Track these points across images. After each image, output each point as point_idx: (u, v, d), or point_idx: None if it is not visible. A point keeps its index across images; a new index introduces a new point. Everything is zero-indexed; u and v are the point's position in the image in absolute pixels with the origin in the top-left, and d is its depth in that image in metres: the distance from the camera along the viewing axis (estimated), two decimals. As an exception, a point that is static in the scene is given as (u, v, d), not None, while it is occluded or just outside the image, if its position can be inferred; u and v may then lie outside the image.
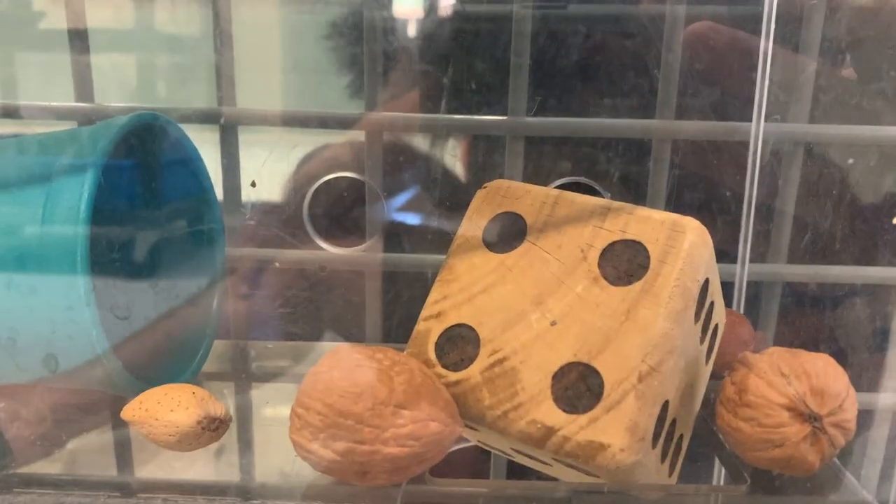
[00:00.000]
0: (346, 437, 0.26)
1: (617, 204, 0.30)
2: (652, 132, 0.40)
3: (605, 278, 0.28)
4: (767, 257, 0.41)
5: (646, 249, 0.28)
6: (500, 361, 0.29)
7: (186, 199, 0.37)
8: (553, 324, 0.29)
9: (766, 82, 0.39)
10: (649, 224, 0.29)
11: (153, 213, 0.37)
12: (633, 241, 0.29)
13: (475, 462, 0.35)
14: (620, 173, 0.42)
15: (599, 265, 0.29)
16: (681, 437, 0.30)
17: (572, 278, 0.29)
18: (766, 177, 0.40)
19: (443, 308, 0.31)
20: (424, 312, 0.31)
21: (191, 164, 0.36)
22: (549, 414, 0.27)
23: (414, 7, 0.40)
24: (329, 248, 0.41)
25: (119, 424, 0.30)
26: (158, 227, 0.37)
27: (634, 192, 0.42)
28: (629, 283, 0.28)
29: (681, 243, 0.28)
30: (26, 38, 0.40)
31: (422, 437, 0.26)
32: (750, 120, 0.39)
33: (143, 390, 0.30)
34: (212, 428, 0.30)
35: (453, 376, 0.29)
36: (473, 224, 0.32)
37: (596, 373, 0.27)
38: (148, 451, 0.33)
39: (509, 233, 0.31)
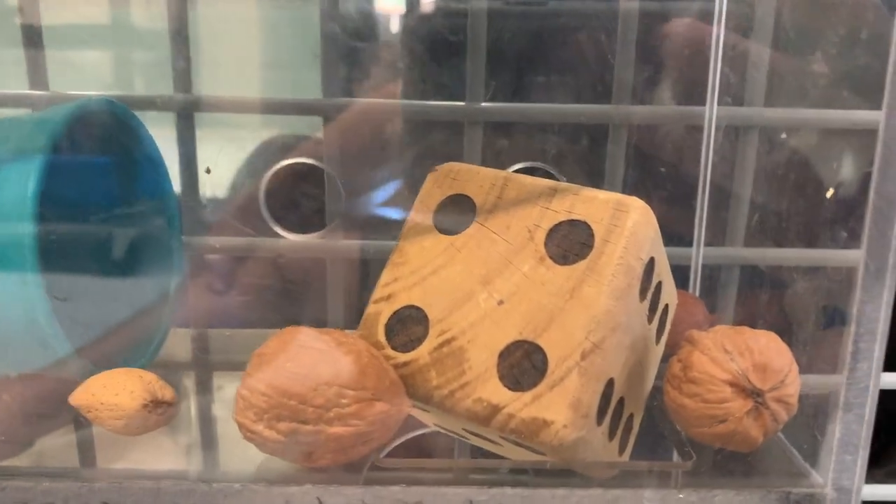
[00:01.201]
0: (290, 418, 0.26)
1: (564, 185, 0.30)
2: (608, 117, 0.41)
3: (551, 258, 0.29)
4: (725, 240, 0.42)
5: (590, 229, 0.28)
6: (449, 342, 0.29)
7: (141, 186, 0.37)
8: (500, 303, 0.29)
9: (719, 66, 0.39)
10: (594, 204, 0.29)
11: (107, 201, 0.36)
12: (579, 221, 0.29)
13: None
14: (580, 158, 0.42)
15: (546, 245, 0.29)
16: (631, 415, 0.31)
17: (519, 258, 0.29)
18: (722, 160, 0.41)
19: (393, 290, 0.31)
20: (375, 295, 0.31)
21: (144, 149, 0.36)
22: (495, 392, 0.27)
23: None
24: (286, 235, 0.41)
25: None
26: (112, 215, 0.37)
27: (594, 176, 0.42)
28: (574, 262, 0.28)
29: (624, 222, 0.28)
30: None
31: (366, 417, 0.27)
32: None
33: (93, 373, 0.30)
34: (158, 412, 0.30)
35: (402, 357, 0.30)
36: (424, 207, 0.32)
37: (540, 350, 0.27)
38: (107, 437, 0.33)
39: (459, 215, 0.31)
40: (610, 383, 0.28)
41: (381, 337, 0.30)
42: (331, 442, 0.26)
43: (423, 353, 0.29)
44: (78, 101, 0.32)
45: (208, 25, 0.40)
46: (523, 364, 0.27)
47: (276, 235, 0.41)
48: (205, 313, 0.41)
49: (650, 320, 0.30)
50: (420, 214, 0.32)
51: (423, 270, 0.31)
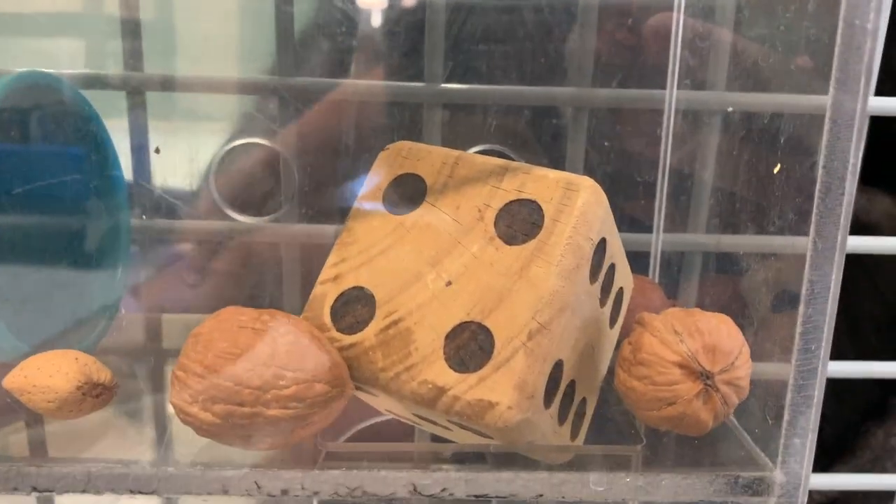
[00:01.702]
0: (226, 400, 0.25)
1: (515, 164, 0.30)
2: (568, 100, 0.40)
3: (501, 238, 0.28)
4: (687, 227, 0.41)
5: (540, 208, 0.28)
6: (395, 323, 0.28)
7: (85, 165, 0.36)
8: (448, 284, 0.28)
9: (679, 50, 0.39)
10: (544, 183, 0.28)
11: (47, 182, 0.35)
12: (529, 201, 0.28)
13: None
14: (540, 141, 0.41)
15: (495, 225, 0.29)
16: (584, 400, 0.30)
17: (469, 238, 0.29)
18: (683, 145, 0.40)
19: (340, 271, 0.30)
20: (322, 276, 0.31)
21: (88, 127, 0.35)
22: (441, 374, 0.27)
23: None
24: (238, 217, 0.40)
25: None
26: (54, 196, 0.36)
27: (555, 159, 0.42)
28: (524, 241, 0.28)
29: (574, 202, 0.27)
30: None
31: (306, 399, 0.26)
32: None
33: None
34: (94, 394, 0.29)
35: (348, 340, 0.29)
36: (373, 186, 0.32)
37: (487, 331, 0.27)
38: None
39: (409, 194, 0.31)
40: (558, 365, 0.27)
41: (327, 319, 0.30)
42: (269, 425, 0.25)
43: (368, 335, 0.29)
44: (9, 77, 0.31)
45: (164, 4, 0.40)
46: (470, 345, 0.27)
47: (230, 219, 0.40)
48: (157, 299, 0.40)
49: (602, 303, 0.30)
50: (369, 194, 0.32)
51: (371, 251, 0.30)
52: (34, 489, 0.26)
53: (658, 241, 0.41)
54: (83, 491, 0.26)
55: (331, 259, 0.31)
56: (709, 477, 0.27)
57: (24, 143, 0.33)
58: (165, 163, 0.39)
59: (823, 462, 0.50)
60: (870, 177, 0.40)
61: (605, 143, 0.41)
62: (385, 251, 0.30)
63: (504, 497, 0.27)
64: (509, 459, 0.28)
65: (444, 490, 0.27)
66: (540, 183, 0.28)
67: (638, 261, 0.41)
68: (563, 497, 0.27)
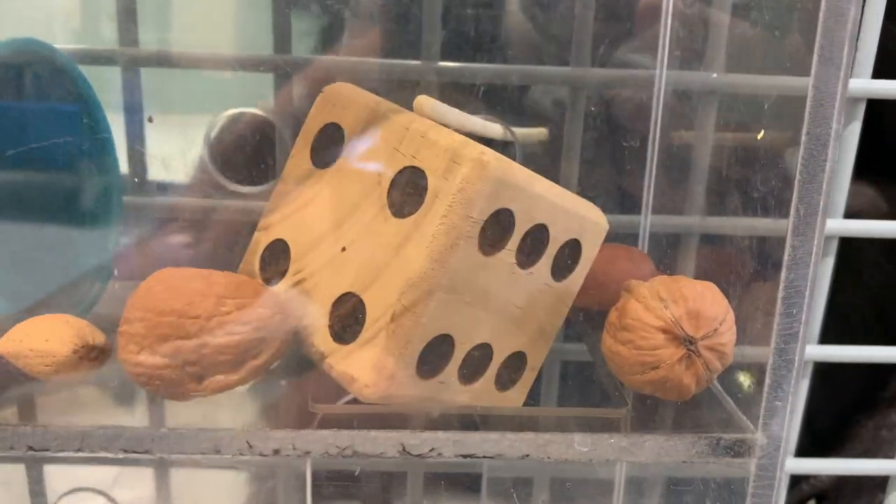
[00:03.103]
0: (171, 336, 0.25)
1: (421, 122, 0.28)
2: (565, 79, 0.40)
3: (390, 208, 0.27)
4: (684, 208, 0.42)
5: (426, 179, 0.26)
6: (300, 282, 0.29)
7: (76, 131, 0.36)
8: (343, 250, 0.28)
9: (669, 29, 0.39)
10: (434, 151, 0.26)
11: (38, 147, 0.36)
12: (419, 170, 0.27)
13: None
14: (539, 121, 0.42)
15: (388, 193, 0.27)
16: (517, 356, 0.30)
17: (367, 203, 0.28)
18: (678, 126, 0.41)
19: (271, 221, 0.31)
20: (259, 223, 0.31)
21: (78, 92, 0.35)
22: (324, 340, 0.28)
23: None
24: (232, 186, 0.40)
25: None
26: (46, 161, 0.36)
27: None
28: (408, 215, 0.27)
29: (454, 177, 0.25)
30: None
31: (250, 322, 0.26)
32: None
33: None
34: (91, 356, 0.29)
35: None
36: (305, 134, 0.30)
37: (363, 306, 0.27)
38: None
39: (330, 146, 0.30)
40: (443, 339, 0.27)
41: (256, 267, 0.30)
42: (218, 355, 0.26)
43: (279, 289, 0.29)
44: (2, 41, 0.31)
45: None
46: (349, 318, 0.27)
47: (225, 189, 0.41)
48: (145, 266, 0.41)
49: (526, 265, 0.29)
50: (302, 141, 0.30)
51: (295, 203, 0.30)
52: (30, 448, 0.27)
53: (647, 222, 0.41)
54: (77, 450, 0.27)
55: (268, 206, 0.31)
56: (691, 438, 0.28)
57: (15, 105, 0.34)
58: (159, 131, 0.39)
59: (815, 454, 0.51)
60: (856, 167, 0.40)
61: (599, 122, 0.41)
62: (306, 205, 0.30)
63: (491, 457, 0.27)
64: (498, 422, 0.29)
65: (432, 450, 0.27)
66: (431, 150, 0.26)
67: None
68: (549, 457, 0.27)
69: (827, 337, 0.42)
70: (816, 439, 0.49)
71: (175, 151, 0.40)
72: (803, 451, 0.43)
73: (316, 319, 0.28)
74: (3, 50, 0.31)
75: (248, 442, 0.27)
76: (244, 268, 0.31)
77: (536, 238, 0.29)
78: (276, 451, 0.27)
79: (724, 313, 0.29)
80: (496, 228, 0.27)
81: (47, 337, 0.29)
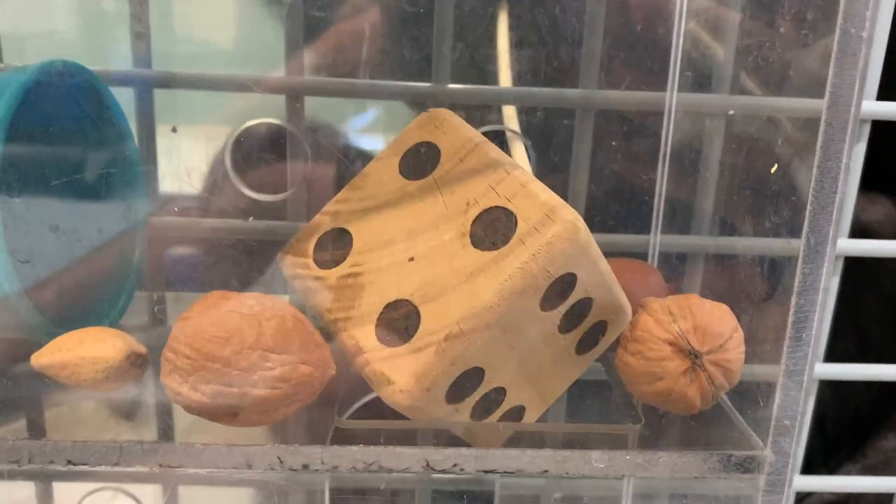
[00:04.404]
0: (215, 381, 0.27)
1: (521, 173, 0.30)
2: (574, 101, 0.41)
3: (471, 237, 0.29)
4: (692, 228, 0.43)
5: (516, 224, 0.28)
6: (355, 275, 0.30)
7: (105, 151, 0.37)
8: (411, 260, 0.30)
9: (680, 51, 0.40)
10: (531, 201, 0.28)
11: (68, 164, 0.37)
12: (510, 212, 0.29)
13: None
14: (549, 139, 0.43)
15: (473, 223, 0.29)
16: (520, 408, 0.32)
17: (447, 225, 0.30)
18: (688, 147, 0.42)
19: (339, 209, 0.32)
20: (325, 208, 0.33)
21: (107, 112, 0.36)
22: (366, 336, 0.29)
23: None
24: (251, 195, 0.41)
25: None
26: (74, 178, 0.37)
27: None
28: (488, 249, 0.28)
29: (546, 231, 0.27)
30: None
31: (291, 380, 0.27)
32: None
33: (56, 336, 0.30)
34: (138, 364, 0.30)
35: (317, 272, 0.31)
36: (399, 143, 0.33)
37: (419, 317, 0.28)
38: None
39: (423, 162, 0.32)
40: (477, 371, 0.29)
41: (311, 247, 0.32)
42: (255, 404, 0.27)
43: (332, 275, 0.31)
44: (37, 65, 0.32)
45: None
46: (399, 323, 0.29)
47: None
48: (167, 275, 0.42)
49: (563, 330, 0.30)
50: (393, 149, 0.33)
51: (369, 202, 0.32)
52: (69, 462, 0.28)
53: (656, 240, 0.42)
54: (115, 464, 0.28)
55: (338, 196, 0.33)
56: (703, 455, 0.29)
57: (48, 127, 0.35)
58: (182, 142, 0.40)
59: (831, 462, 0.52)
60: (871, 180, 0.41)
61: (613, 143, 0.42)
62: (380, 207, 0.31)
63: (511, 472, 0.29)
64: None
65: (455, 465, 0.28)
66: (529, 200, 0.28)
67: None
68: (567, 472, 0.28)
69: (846, 348, 0.43)
70: (829, 448, 0.50)
71: (198, 162, 0.41)
72: (813, 461, 0.44)
73: (364, 314, 0.29)
74: (37, 72, 0.32)
75: (278, 457, 0.28)
76: (295, 245, 0.33)
77: (581, 309, 0.30)
78: (305, 467, 0.28)
79: (732, 331, 0.30)
80: (559, 289, 0.28)
81: (98, 344, 0.30)
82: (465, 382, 0.28)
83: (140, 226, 0.39)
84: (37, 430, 0.36)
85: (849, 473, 0.50)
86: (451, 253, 0.29)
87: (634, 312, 0.31)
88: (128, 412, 0.35)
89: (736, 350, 0.29)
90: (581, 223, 0.28)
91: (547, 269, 0.28)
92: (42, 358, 0.30)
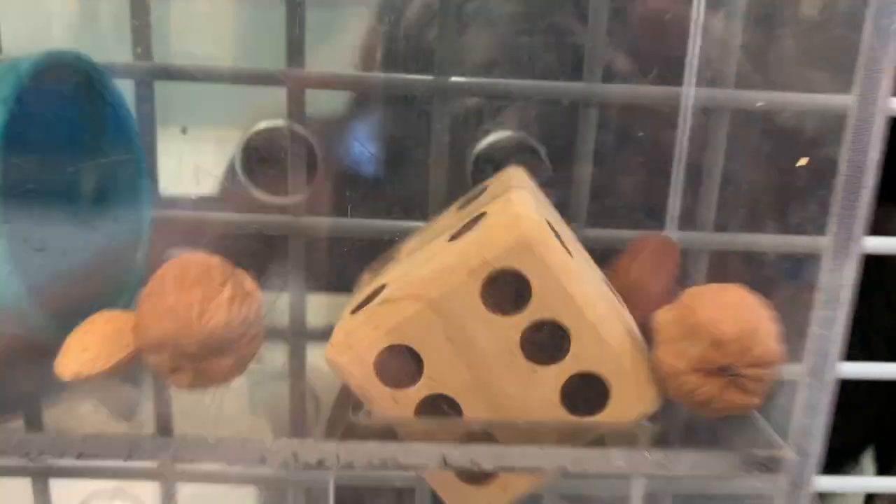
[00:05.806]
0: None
1: (507, 182, 0.31)
2: (579, 94, 0.40)
3: (452, 235, 0.29)
4: (696, 225, 0.42)
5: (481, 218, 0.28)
6: (378, 290, 0.30)
7: (108, 138, 0.36)
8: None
9: (698, 45, 0.40)
10: (504, 204, 0.28)
11: (72, 153, 0.36)
12: (485, 213, 0.28)
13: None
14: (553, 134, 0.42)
15: (461, 227, 0.29)
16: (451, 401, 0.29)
17: (447, 232, 0.30)
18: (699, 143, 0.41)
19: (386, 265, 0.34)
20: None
21: (110, 99, 0.36)
22: (346, 314, 0.29)
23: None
24: (260, 196, 0.41)
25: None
26: (78, 167, 0.36)
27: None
28: (453, 238, 0.29)
29: (491, 221, 0.27)
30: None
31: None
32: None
33: (61, 333, 0.29)
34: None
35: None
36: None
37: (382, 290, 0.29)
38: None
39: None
40: (411, 354, 0.28)
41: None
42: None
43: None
44: (41, 53, 0.31)
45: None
46: (369, 298, 0.29)
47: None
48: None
49: (529, 356, 0.28)
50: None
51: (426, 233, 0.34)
52: (80, 455, 0.27)
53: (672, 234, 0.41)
54: (128, 458, 0.28)
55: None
56: (724, 454, 0.28)
57: (51, 116, 0.34)
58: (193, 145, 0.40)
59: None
60: (887, 192, 0.41)
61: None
62: (428, 241, 0.31)
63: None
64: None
65: (472, 462, 0.28)
66: (503, 202, 0.28)
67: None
68: (587, 470, 0.28)
69: (849, 353, 0.42)
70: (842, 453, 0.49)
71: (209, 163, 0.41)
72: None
73: (357, 300, 0.30)
74: (40, 62, 0.31)
75: (293, 453, 0.28)
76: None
77: (553, 337, 0.28)
78: (320, 462, 0.28)
79: (752, 326, 0.27)
80: (506, 288, 0.27)
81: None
82: (398, 363, 0.28)
83: (144, 225, 0.38)
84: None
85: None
86: (436, 250, 0.30)
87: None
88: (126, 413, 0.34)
89: (764, 343, 0.27)
90: (530, 220, 0.26)
91: (483, 253, 0.26)
92: (72, 365, 0.28)
